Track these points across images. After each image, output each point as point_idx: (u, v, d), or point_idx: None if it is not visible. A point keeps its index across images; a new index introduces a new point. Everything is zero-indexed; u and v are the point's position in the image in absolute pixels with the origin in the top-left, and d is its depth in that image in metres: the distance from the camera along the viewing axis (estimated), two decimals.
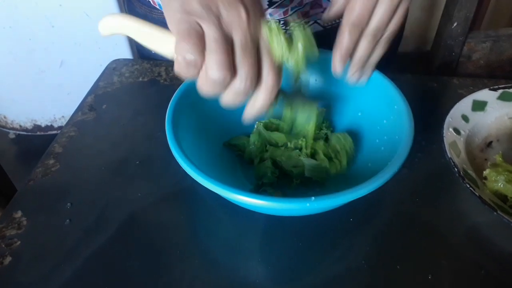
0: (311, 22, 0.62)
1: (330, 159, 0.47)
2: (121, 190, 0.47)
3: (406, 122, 0.42)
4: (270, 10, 0.58)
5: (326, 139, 0.49)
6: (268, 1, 0.56)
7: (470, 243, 0.42)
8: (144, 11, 0.65)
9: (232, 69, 0.33)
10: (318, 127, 0.50)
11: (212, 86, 0.33)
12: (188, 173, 0.37)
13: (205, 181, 0.36)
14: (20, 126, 1.63)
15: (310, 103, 0.45)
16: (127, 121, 0.56)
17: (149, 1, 0.62)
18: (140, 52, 0.75)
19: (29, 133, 1.64)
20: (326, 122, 0.52)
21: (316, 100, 0.46)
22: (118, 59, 0.66)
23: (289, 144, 0.48)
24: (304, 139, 0.47)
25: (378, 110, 0.48)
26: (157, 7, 0.62)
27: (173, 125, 0.42)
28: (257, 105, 0.36)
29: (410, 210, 0.45)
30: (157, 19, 0.64)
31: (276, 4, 0.56)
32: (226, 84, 0.33)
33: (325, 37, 0.64)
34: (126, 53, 1.43)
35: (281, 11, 0.58)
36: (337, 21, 0.62)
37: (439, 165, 0.49)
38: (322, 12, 0.60)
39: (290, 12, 0.59)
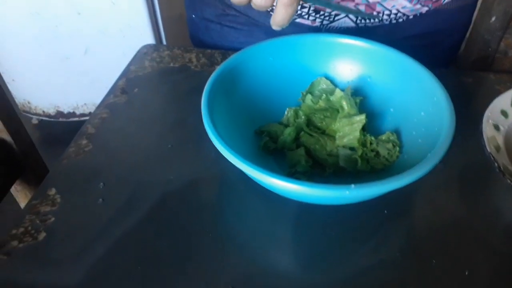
0: (341, 15, 0.60)
1: (367, 160, 0.46)
2: (153, 172, 0.47)
3: (447, 114, 0.41)
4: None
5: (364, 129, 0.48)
6: None
7: (509, 240, 0.41)
8: None
9: None
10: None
11: None
12: (225, 156, 0.37)
13: (244, 165, 0.36)
14: (43, 112, 1.66)
15: None
16: (159, 105, 0.56)
17: None
18: (193, 39, 0.76)
19: (52, 119, 1.66)
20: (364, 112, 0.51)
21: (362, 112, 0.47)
22: (149, 44, 0.66)
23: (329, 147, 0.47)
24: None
25: (416, 101, 0.47)
26: None
27: (208, 109, 0.42)
28: (276, 19, 0.44)
29: (446, 205, 0.44)
30: None
31: None
32: None
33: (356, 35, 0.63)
34: (150, 42, 1.43)
35: None
36: (372, 20, 0.61)
37: (476, 161, 0.48)
38: (354, 6, 0.59)
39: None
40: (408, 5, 0.59)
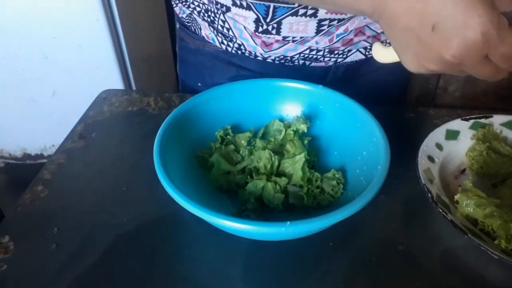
0: (353, 50, 0.64)
1: (313, 197, 0.48)
2: (107, 216, 0.48)
3: (383, 155, 0.44)
4: (316, 38, 0.60)
5: (313, 167, 0.51)
6: (315, 30, 0.58)
7: (443, 266, 0.43)
8: (197, 45, 0.69)
9: None
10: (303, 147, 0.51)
11: None
12: (172, 197, 0.39)
13: (187, 204, 0.38)
14: (10, 154, 1.64)
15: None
16: (115, 149, 0.57)
17: (203, 37, 0.67)
18: (185, 90, 0.77)
19: (19, 162, 1.64)
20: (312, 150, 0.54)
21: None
22: (109, 90, 0.69)
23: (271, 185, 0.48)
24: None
25: (359, 142, 0.50)
26: (210, 41, 0.67)
27: (160, 152, 0.44)
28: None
29: (386, 234, 0.47)
30: (209, 52, 0.68)
31: (322, 32, 0.59)
32: None
33: (362, 65, 0.66)
34: (117, 84, 1.45)
35: (326, 38, 0.60)
36: None
37: (415, 192, 0.51)
38: (365, 40, 0.63)
39: (335, 40, 0.61)
40: None
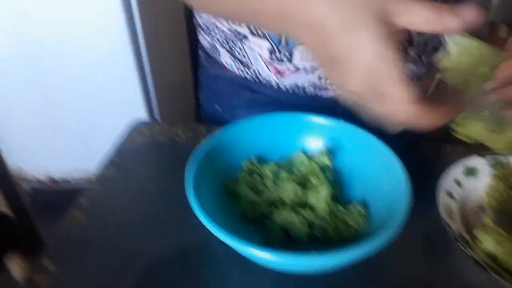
0: None
1: (337, 229, 0.50)
2: (141, 243, 0.51)
3: (404, 190, 0.46)
4: None
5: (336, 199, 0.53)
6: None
7: None
8: (217, 72, 0.75)
9: None
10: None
11: None
12: (208, 228, 0.42)
13: (223, 235, 0.41)
14: (36, 178, 1.69)
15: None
16: (148, 177, 0.61)
17: (223, 64, 0.73)
18: (205, 114, 0.81)
19: (44, 186, 1.69)
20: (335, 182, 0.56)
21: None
22: (139, 120, 0.73)
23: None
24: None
25: (381, 176, 0.52)
26: (229, 68, 0.72)
27: (193, 184, 0.47)
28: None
29: (409, 270, 0.48)
30: (228, 77, 0.73)
31: None
32: None
33: None
34: (141, 112, 1.51)
35: None
36: None
37: (434, 227, 0.52)
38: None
39: None
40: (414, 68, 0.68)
